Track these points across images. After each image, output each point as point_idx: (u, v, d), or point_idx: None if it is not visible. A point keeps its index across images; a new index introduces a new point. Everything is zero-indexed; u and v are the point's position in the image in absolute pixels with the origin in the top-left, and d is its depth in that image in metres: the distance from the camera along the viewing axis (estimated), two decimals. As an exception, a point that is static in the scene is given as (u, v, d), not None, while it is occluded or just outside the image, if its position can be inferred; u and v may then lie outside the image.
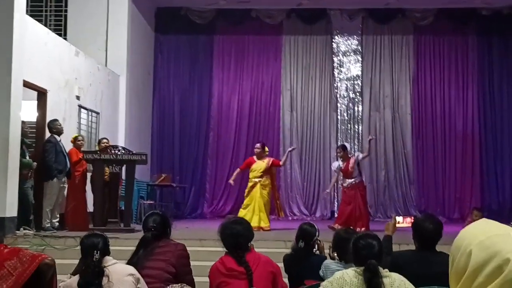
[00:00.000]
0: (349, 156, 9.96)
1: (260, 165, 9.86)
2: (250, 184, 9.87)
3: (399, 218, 4.31)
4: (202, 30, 13.93)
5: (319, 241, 4.43)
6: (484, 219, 1.43)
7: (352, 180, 9.60)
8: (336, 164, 9.96)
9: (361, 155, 9.94)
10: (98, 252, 3.24)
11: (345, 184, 9.74)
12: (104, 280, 3.19)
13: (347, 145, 11.21)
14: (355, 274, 2.99)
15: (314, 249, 4.31)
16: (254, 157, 10.05)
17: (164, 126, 14.06)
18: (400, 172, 13.47)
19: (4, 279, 3.23)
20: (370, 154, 11.08)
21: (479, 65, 13.54)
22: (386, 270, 3.03)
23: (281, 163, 10.30)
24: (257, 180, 9.75)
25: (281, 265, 4.04)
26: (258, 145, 10.22)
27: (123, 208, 9.30)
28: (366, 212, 9.92)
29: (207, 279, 3.82)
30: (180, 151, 13.97)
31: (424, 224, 3.69)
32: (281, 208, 10.56)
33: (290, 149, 10.81)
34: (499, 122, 13.36)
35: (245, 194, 9.96)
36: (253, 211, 9.59)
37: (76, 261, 6.15)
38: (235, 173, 10.36)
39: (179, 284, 1.83)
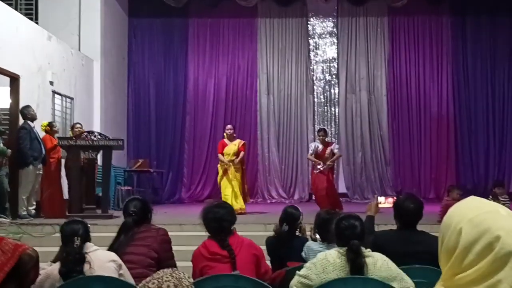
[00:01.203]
0: (328, 142, 10.05)
1: (231, 148, 9.80)
2: (222, 169, 9.76)
3: (381, 199, 4.33)
4: (176, 13, 13.75)
5: (301, 223, 4.44)
6: (472, 196, 1.43)
7: (323, 165, 9.62)
8: (314, 145, 9.94)
9: (336, 151, 9.93)
10: (79, 238, 3.19)
11: (317, 168, 9.69)
12: (86, 266, 3.15)
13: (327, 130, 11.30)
14: (338, 255, 3.01)
15: (297, 232, 4.32)
16: (225, 140, 9.98)
17: (140, 111, 13.92)
18: (377, 153, 13.58)
19: None
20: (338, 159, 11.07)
21: (453, 45, 13.65)
22: (369, 250, 3.06)
23: (241, 154, 9.84)
24: (230, 163, 9.68)
25: (263, 247, 4.04)
26: (230, 126, 10.21)
27: (100, 194, 9.21)
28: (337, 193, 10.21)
29: (188, 264, 3.81)
30: (157, 136, 13.87)
31: (405, 203, 3.73)
32: (248, 193, 10.43)
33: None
34: (473, 101, 13.53)
35: (219, 179, 9.85)
36: (230, 195, 9.56)
37: (54, 249, 6.08)
38: (224, 160, 9.82)
39: (170, 269, 1.80)
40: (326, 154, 9.64)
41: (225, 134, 10.11)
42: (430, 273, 3.23)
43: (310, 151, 9.91)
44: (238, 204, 9.43)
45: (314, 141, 10.50)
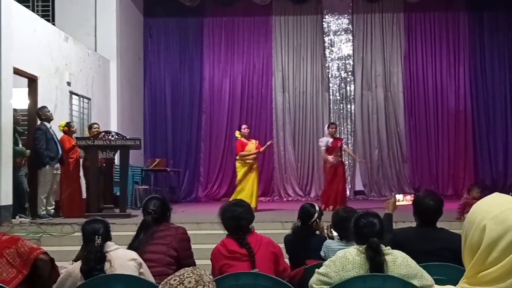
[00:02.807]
0: (337, 137, 10.18)
1: (251, 146, 9.84)
2: (246, 167, 9.74)
3: (399, 196, 4.28)
4: (191, 13, 13.79)
5: (317, 222, 4.42)
6: (496, 193, 1.42)
7: (334, 159, 9.72)
8: (325, 140, 9.99)
9: (345, 146, 10.04)
10: (100, 237, 3.22)
11: (330, 160, 9.78)
12: (107, 265, 3.17)
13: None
14: (357, 253, 3.00)
15: (317, 231, 4.30)
16: (243, 139, 9.98)
17: (156, 111, 13.99)
18: (394, 150, 13.50)
19: (4, 268, 3.15)
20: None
21: (470, 41, 13.52)
22: (388, 247, 3.04)
23: (261, 149, 10.04)
24: (252, 161, 9.72)
25: (281, 246, 4.05)
26: (246, 126, 10.20)
27: (118, 193, 9.28)
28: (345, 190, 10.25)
29: (206, 262, 3.83)
30: (173, 135, 13.92)
31: (425, 201, 3.70)
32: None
33: (268, 143, 10.52)
34: (491, 97, 13.39)
35: (240, 178, 9.82)
36: (251, 194, 9.56)
37: (74, 248, 6.16)
38: (250, 152, 9.83)
39: (191, 267, 1.82)
40: (338, 147, 9.82)
41: (240, 133, 10.03)
42: (451, 270, 3.20)
43: (323, 147, 9.93)
44: (253, 203, 9.48)
45: (324, 135, 10.58)
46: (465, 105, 13.41)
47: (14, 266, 3.18)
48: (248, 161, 9.77)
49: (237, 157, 9.95)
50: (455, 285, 1.43)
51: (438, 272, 3.14)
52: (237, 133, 10.12)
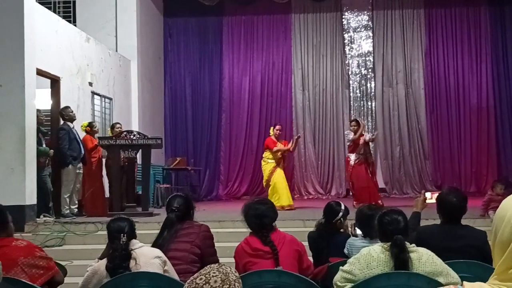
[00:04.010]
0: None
1: (280, 147, 9.84)
2: (271, 165, 9.76)
3: (428, 194, 4.24)
4: (210, 12, 13.84)
5: (341, 220, 4.40)
6: (526, 189, 1.40)
7: (358, 156, 9.64)
8: (351, 134, 9.95)
9: (367, 137, 9.89)
10: (125, 235, 3.26)
11: (352, 160, 9.72)
12: (132, 263, 3.21)
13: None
14: (382, 250, 2.99)
15: (341, 229, 4.28)
16: (273, 137, 9.97)
17: (176, 110, 14.07)
18: (415, 147, 13.39)
19: (19, 277, 3.15)
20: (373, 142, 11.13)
21: (492, 36, 13.35)
22: (413, 245, 3.02)
23: (291, 148, 10.14)
24: (280, 161, 9.78)
25: (305, 243, 4.04)
26: (279, 126, 10.13)
27: (140, 192, 9.34)
28: (377, 185, 10.10)
29: (228, 260, 3.84)
30: (193, 134, 13.99)
31: (448, 197, 3.67)
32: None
33: (296, 137, 10.56)
34: (515, 93, 13.22)
35: (266, 177, 9.80)
36: (285, 187, 9.62)
37: (97, 246, 6.23)
38: (283, 148, 9.86)
39: (217, 264, 1.82)
40: (360, 143, 9.68)
41: (274, 133, 9.95)
42: (476, 267, 3.18)
43: (348, 139, 9.89)
44: (289, 200, 9.55)
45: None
46: (488, 101, 13.24)
47: (28, 275, 3.18)
48: (276, 157, 9.76)
49: (265, 155, 9.96)
50: (482, 282, 1.42)
51: (463, 270, 3.12)
52: (271, 130, 10.10)
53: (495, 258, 1.37)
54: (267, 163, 9.85)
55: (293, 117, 13.80)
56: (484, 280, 1.41)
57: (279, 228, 3.78)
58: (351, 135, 9.79)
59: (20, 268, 3.17)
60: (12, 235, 3.45)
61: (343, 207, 4.25)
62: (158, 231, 3.90)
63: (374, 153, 13.22)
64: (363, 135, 9.94)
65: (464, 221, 3.73)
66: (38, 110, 8.25)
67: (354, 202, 9.17)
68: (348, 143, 10.05)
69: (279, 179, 9.64)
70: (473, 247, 3.48)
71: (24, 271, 3.18)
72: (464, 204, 3.67)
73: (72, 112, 8.90)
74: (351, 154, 9.77)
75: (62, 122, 8.88)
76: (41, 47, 8.44)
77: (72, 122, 8.85)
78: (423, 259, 2.93)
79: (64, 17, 10.62)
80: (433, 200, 3.95)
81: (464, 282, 1.38)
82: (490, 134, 13.20)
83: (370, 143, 10.04)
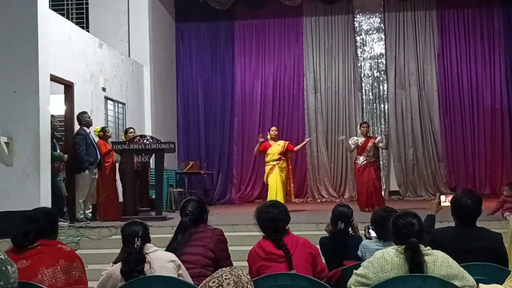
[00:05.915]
0: (370, 136, 10.02)
1: (276, 148, 9.92)
2: (268, 167, 9.92)
3: (442, 197, 4.21)
4: (222, 17, 13.89)
5: (353, 221, 4.41)
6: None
7: (365, 159, 9.61)
8: (355, 139, 9.96)
9: (381, 144, 9.86)
10: (139, 239, 3.27)
11: (359, 162, 9.70)
12: (146, 266, 3.22)
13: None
14: (396, 253, 2.97)
15: (350, 231, 4.29)
16: (271, 141, 10.06)
17: (189, 114, 14.11)
18: (429, 149, 13.32)
19: (57, 275, 3.13)
20: (387, 149, 11.12)
21: (505, 37, 13.25)
22: (428, 247, 3.00)
23: (295, 149, 10.29)
24: (274, 163, 9.83)
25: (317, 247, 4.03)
26: (274, 128, 10.35)
27: (153, 196, 9.39)
28: (379, 189, 10.02)
29: (241, 264, 3.84)
30: (206, 138, 14.03)
31: (463, 199, 3.64)
32: (293, 192, 10.50)
33: (306, 140, 10.70)
34: (528, 94, 13.11)
35: (265, 178, 10.02)
36: (275, 191, 9.67)
37: (111, 251, 6.26)
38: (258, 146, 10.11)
39: (229, 267, 1.83)
40: (368, 147, 9.64)
41: (269, 135, 10.14)
42: (492, 270, 3.15)
43: (351, 142, 9.90)
44: (279, 198, 9.56)
45: (356, 135, 10.49)
46: (501, 102, 13.14)
47: (58, 280, 3.20)
48: (271, 162, 9.87)
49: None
50: (498, 284, 1.41)
51: (479, 272, 3.09)
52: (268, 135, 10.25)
53: (511, 260, 1.37)
54: (266, 165, 10.04)
55: (305, 120, 13.79)
56: (500, 282, 1.40)
57: (292, 231, 3.77)
58: (353, 140, 9.86)
59: (59, 268, 3.19)
60: (57, 238, 3.55)
61: (351, 207, 4.30)
62: (171, 235, 3.92)
63: (387, 156, 13.26)
64: (373, 138, 9.92)
65: (479, 223, 3.70)
66: (52, 116, 8.32)
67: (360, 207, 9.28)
68: (348, 149, 10.06)
69: (272, 179, 9.80)
70: (488, 249, 3.45)
71: (61, 271, 3.20)
72: (478, 206, 3.64)
73: (89, 117, 8.99)
74: (360, 156, 9.76)
75: (77, 127, 8.95)
76: (55, 53, 8.51)
77: (88, 127, 8.94)
78: (438, 262, 2.91)
79: (77, 23, 10.72)
80: (448, 203, 3.91)
81: (480, 285, 1.37)
82: (504, 135, 13.10)
83: (380, 147, 9.97)
